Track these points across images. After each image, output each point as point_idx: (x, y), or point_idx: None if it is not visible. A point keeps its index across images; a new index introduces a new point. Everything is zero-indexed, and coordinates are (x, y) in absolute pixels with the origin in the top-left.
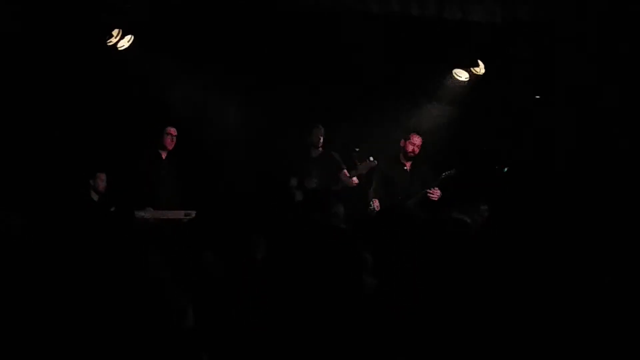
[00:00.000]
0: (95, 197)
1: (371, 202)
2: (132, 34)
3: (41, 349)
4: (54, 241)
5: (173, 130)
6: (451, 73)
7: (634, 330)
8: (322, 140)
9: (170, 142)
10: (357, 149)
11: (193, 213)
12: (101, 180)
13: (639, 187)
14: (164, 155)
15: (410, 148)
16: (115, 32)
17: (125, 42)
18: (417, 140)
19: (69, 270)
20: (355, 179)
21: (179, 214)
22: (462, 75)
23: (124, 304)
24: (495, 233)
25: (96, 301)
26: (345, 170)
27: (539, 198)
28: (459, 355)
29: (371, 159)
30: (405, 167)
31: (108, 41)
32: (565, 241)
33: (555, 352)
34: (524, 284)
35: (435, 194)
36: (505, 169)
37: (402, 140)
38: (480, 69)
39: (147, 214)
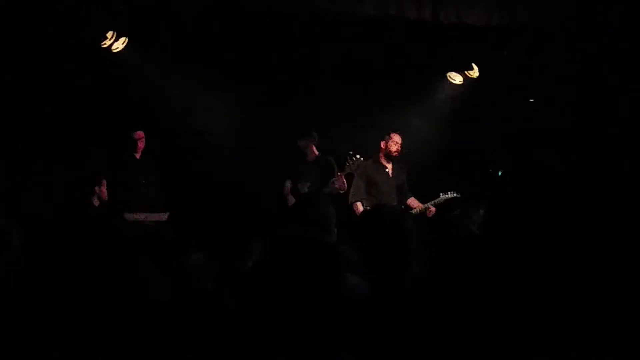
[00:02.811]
0: (96, 202)
1: (355, 205)
2: (126, 37)
3: (41, 349)
4: (53, 247)
5: (138, 134)
6: (446, 76)
7: (634, 330)
8: (315, 149)
9: (137, 146)
10: (350, 152)
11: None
12: (105, 187)
13: (638, 189)
14: (137, 155)
15: (394, 148)
16: (109, 34)
17: (119, 45)
18: (398, 138)
19: (67, 275)
20: (343, 183)
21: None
22: (456, 78)
23: (119, 306)
24: (491, 236)
25: (92, 305)
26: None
27: (535, 201)
28: (454, 356)
29: (358, 156)
30: (387, 170)
31: (102, 43)
32: (565, 244)
33: (555, 352)
34: (521, 288)
35: (433, 212)
36: (500, 172)
37: (383, 142)
38: (475, 72)
39: (141, 216)
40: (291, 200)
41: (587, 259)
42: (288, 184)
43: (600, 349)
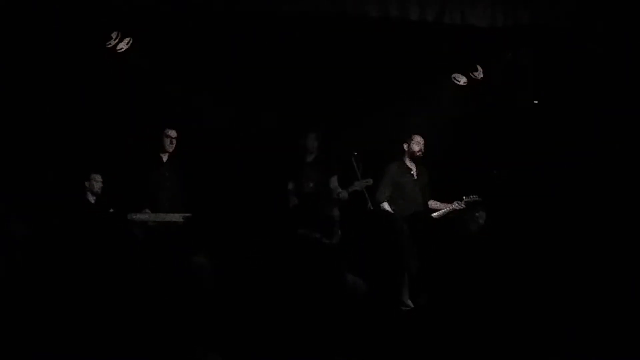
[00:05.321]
0: (91, 198)
1: (382, 205)
2: (131, 36)
3: (43, 347)
4: (54, 244)
5: (172, 133)
6: (450, 77)
7: (633, 330)
8: (316, 146)
9: (170, 145)
10: (355, 153)
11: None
12: (96, 182)
13: (637, 191)
14: (164, 158)
15: (417, 148)
16: (114, 34)
17: (124, 45)
18: (420, 140)
19: (68, 271)
20: (346, 194)
21: (176, 217)
22: (460, 79)
23: (120, 304)
24: (493, 237)
25: (94, 301)
26: (340, 191)
27: (538, 202)
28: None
29: (370, 181)
30: (412, 172)
31: (107, 43)
32: (564, 244)
33: (555, 351)
34: (522, 286)
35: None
36: (497, 173)
37: (406, 144)
38: (479, 74)
39: (145, 216)
40: (293, 201)
41: (586, 259)
42: (291, 185)
43: (600, 349)
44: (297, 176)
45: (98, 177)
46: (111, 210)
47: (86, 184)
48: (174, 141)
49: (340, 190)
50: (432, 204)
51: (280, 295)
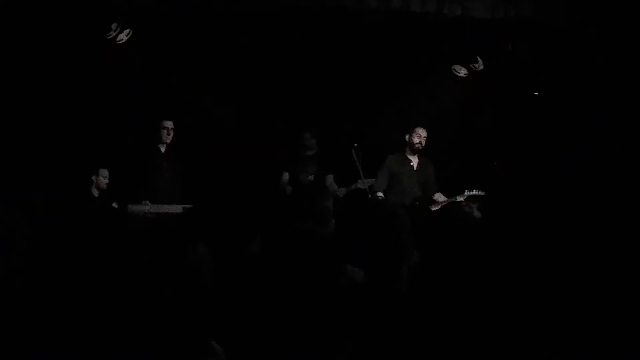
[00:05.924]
0: (96, 193)
1: (377, 195)
2: (130, 28)
3: (43, 343)
4: (56, 238)
5: (169, 124)
6: (450, 69)
7: (633, 330)
8: (314, 143)
9: (167, 136)
10: (355, 145)
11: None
12: (103, 177)
13: (636, 187)
14: (162, 149)
15: (416, 140)
16: (114, 25)
17: (124, 36)
18: (422, 132)
19: (69, 266)
20: (344, 191)
21: (177, 209)
22: (460, 71)
23: (120, 299)
24: (491, 228)
25: (93, 297)
26: (338, 189)
27: (538, 194)
28: (451, 352)
29: (373, 181)
30: (412, 164)
31: (107, 35)
32: (564, 237)
33: (554, 351)
34: (521, 281)
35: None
36: (497, 164)
37: (407, 135)
38: (479, 65)
39: (145, 208)
40: (289, 191)
41: (586, 254)
42: (285, 177)
43: (600, 349)
44: (295, 168)
45: (105, 173)
46: (114, 205)
47: (93, 178)
48: (171, 132)
49: (337, 188)
50: (438, 197)
51: (278, 287)
